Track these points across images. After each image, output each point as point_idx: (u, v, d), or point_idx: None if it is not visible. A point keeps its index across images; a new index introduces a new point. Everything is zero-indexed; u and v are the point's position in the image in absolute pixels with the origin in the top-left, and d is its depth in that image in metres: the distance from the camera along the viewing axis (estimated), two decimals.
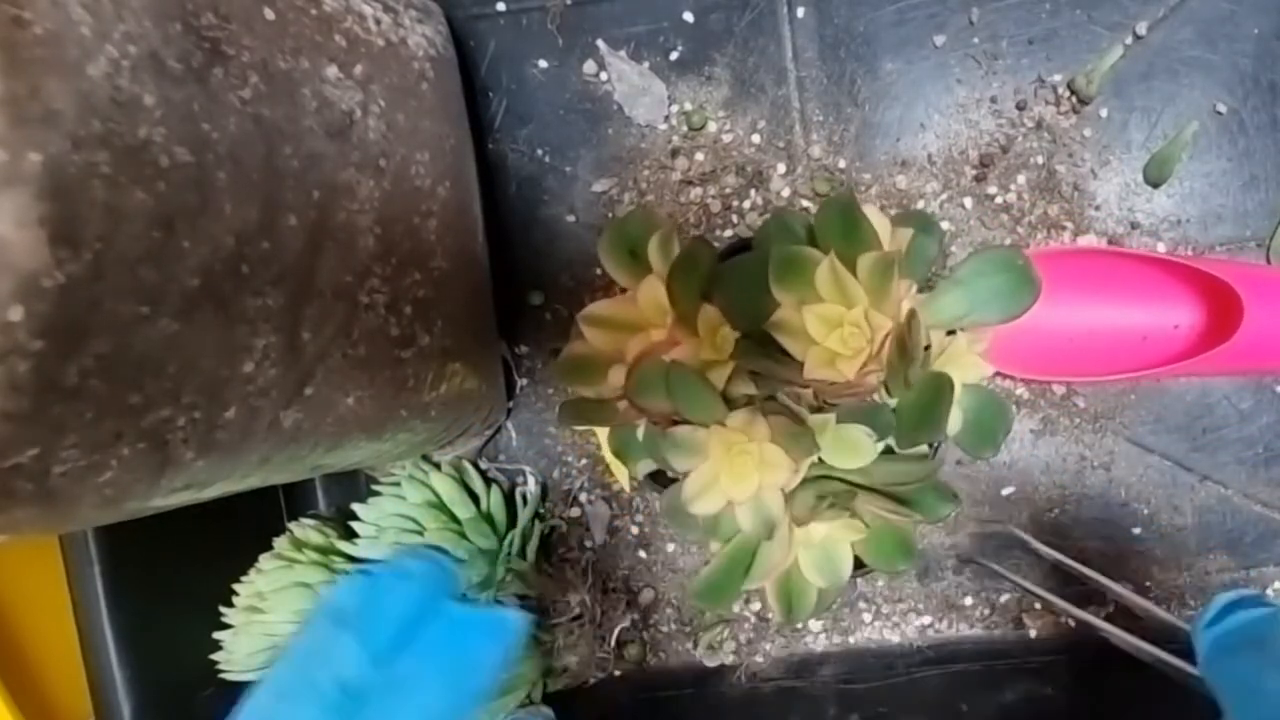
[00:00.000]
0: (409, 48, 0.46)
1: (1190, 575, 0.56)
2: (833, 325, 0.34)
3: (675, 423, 0.36)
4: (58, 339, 0.26)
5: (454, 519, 0.53)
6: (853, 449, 0.36)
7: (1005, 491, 0.56)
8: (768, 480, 0.35)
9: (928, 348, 0.36)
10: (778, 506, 0.35)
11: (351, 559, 0.52)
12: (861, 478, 0.36)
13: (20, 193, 0.25)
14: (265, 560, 0.51)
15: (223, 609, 0.50)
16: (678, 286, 0.36)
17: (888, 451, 0.37)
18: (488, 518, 0.54)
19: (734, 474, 0.35)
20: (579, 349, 0.38)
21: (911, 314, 0.33)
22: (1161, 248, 0.54)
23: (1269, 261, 0.53)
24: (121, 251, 0.28)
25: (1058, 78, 0.53)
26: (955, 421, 0.37)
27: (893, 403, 0.36)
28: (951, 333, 0.37)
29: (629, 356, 0.37)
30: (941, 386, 0.34)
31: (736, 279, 0.35)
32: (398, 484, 0.53)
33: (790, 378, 0.35)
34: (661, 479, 0.42)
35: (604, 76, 0.55)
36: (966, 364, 0.37)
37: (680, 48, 0.55)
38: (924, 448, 0.38)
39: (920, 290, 0.36)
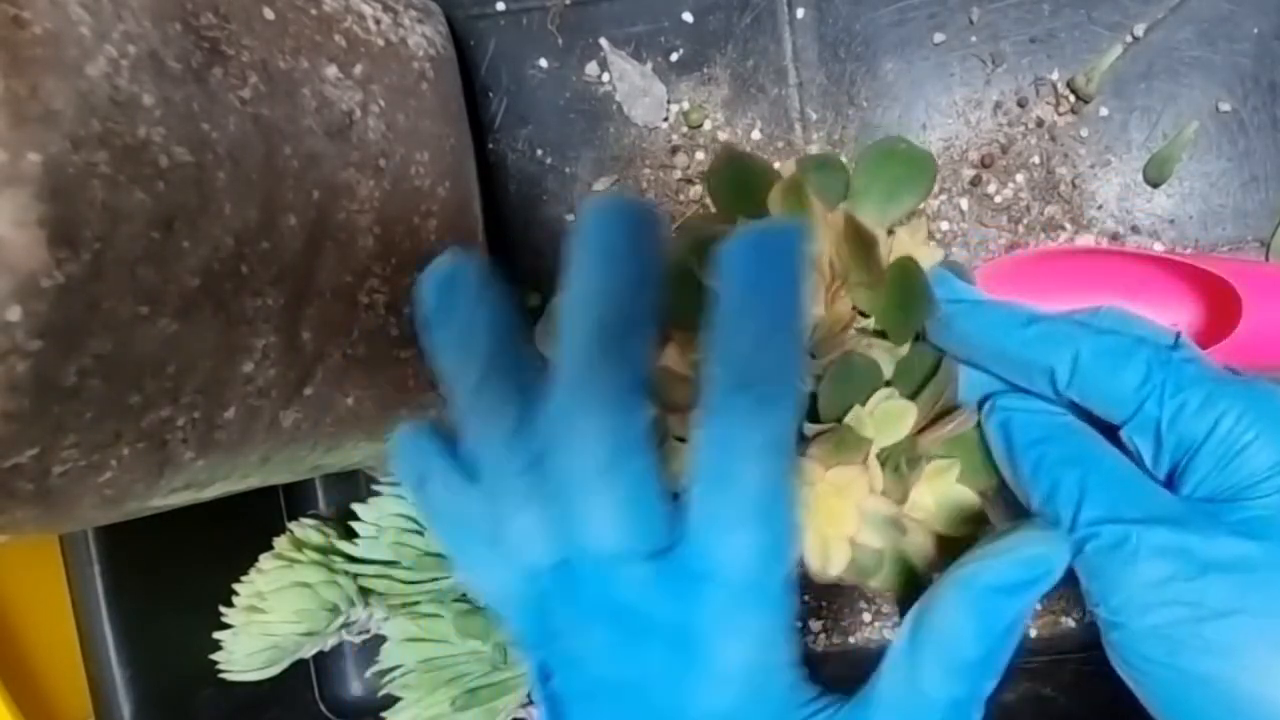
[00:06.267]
0: (409, 48, 0.46)
1: None
2: None
3: None
4: (57, 339, 0.26)
5: None
6: (896, 417, 0.34)
7: None
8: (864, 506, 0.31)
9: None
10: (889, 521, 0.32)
11: (351, 559, 0.52)
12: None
13: (19, 193, 0.25)
14: (265, 560, 0.51)
15: (223, 609, 0.50)
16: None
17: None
18: None
19: (830, 517, 0.31)
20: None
21: (845, 214, 0.31)
22: (1161, 247, 0.54)
23: (1268, 260, 0.53)
24: (120, 252, 0.28)
25: (1057, 77, 0.53)
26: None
27: (873, 325, 0.35)
28: (890, 232, 0.36)
29: None
30: (906, 266, 0.32)
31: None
32: (398, 484, 0.53)
33: None
34: None
35: (605, 76, 0.55)
36: (923, 255, 0.36)
37: (680, 48, 0.55)
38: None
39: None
